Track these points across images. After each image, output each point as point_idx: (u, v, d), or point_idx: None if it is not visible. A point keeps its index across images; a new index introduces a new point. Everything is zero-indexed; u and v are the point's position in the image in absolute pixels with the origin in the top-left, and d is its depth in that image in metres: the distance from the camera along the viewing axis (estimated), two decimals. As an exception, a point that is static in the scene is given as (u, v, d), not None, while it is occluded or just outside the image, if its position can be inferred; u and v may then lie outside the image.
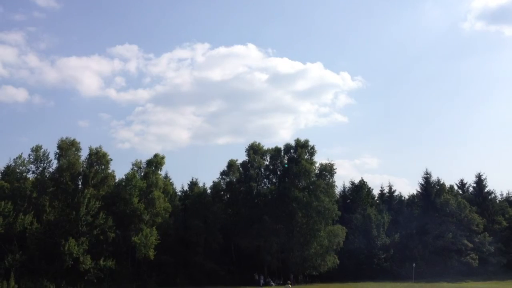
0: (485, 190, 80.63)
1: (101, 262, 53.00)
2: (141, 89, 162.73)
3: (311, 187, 65.92)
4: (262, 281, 61.40)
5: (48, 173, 57.48)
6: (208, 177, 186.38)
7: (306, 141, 68.52)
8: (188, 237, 61.94)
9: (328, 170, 67.32)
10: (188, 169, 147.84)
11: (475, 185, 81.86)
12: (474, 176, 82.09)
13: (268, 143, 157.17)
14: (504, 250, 71.02)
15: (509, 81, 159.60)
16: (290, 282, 45.09)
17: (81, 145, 58.44)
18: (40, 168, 57.13)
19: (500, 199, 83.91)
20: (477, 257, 68.68)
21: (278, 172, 69.27)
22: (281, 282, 62.57)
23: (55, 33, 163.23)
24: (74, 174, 56.56)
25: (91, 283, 52.29)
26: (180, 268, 60.93)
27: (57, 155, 57.10)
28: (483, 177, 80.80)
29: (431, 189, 76.29)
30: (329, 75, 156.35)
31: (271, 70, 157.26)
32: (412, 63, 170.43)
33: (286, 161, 68.35)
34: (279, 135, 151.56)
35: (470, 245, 68.98)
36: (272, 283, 61.64)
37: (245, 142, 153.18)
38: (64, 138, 57.62)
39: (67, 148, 57.11)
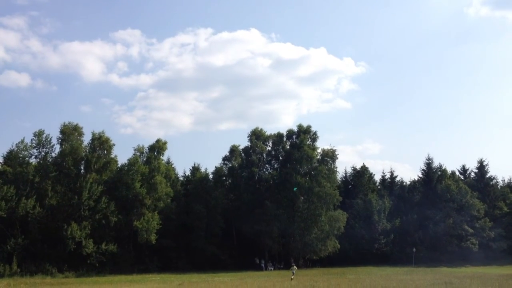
0: (487, 176, 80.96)
1: (103, 246, 53.45)
2: (143, 74, 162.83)
3: (312, 172, 66.22)
4: (263, 265, 61.90)
5: (50, 158, 57.79)
6: (210, 163, 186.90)
7: (309, 127, 68.71)
8: (190, 222, 62.43)
9: (330, 155, 67.52)
10: (190, 155, 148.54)
11: (476, 170, 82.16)
12: (476, 162, 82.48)
13: (270, 129, 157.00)
14: (504, 236, 71.27)
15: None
16: (294, 265, 45.78)
17: (84, 130, 58.78)
18: (43, 153, 57.51)
19: (502, 185, 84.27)
20: (478, 242, 69.06)
21: (280, 158, 69.50)
22: (282, 267, 63.18)
23: (57, 18, 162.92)
24: (76, 159, 56.77)
25: (93, 267, 52.79)
26: (181, 252, 61.49)
27: (60, 140, 57.33)
28: (485, 163, 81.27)
29: (432, 174, 76.35)
30: (332, 61, 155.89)
31: (274, 55, 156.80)
32: (416, 48, 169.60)
33: (288, 147, 68.52)
34: (281, 120, 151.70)
35: (471, 230, 69.27)
36: (270, 267, 62.04)
37: (248, 128, 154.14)
38: (67, 123, 57.95)
39: (69, 133, 57.31)
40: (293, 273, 42.32)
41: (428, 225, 70.30)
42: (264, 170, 70.66)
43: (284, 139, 69.70)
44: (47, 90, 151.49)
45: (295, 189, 63.32)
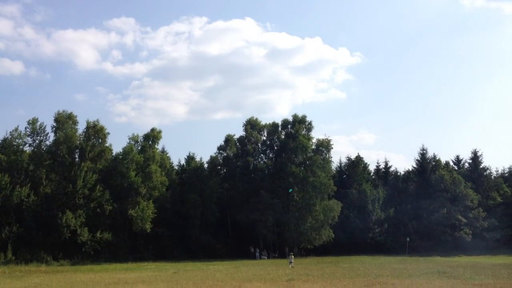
0: (481, 166, 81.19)
1: (98, 234, 53.46)
2: (138, 63, 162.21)
3: (307, 162, 66.37)
4: (257, 254, 62.16)
5: (44, 146, 57.55)
6: (205, 152, 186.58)
7: (304, 117, 68.72)
8: (185, 211, 62.54)
9: (325, 145, 67.66)
10: (185, 144, 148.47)
11: (470, 161, 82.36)
12: (470, 152, 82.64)
13: (265, 119, 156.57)
14: (497, 226, 71.71)
15: (507, 58, 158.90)
16: (292, 254, 46.32)
17: (78, 119, 58.50)
18: (37, 141, 57.22)
19: (495, 176, 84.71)
20: (471, 232, 69.54)
21: (275, 147, 69.60)
22: (277, 255, 63.49)
23: (51, 5, 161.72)
24: (71, 148, 56.62)
25: (88, 255, 52.86)
26: (176, 241, 61.69)
27: (54, 128, 57.05)
28: (479, 154, 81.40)
29: (426, 165, 76.65)
30: (327, 51, 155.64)
31: (269, 45, 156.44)
32: (411, 39, 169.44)
33: (283, 137, 68.52)
34: (276, 110, 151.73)
35: (464, 220, 69.72)
36: (264, 256, 62.21)
37: (243, 118, 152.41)
38: (61, 111, 57.59)
39: (64, 121, 57.04)
40: (291, 262, 42.72)
41: (422, 215, 70.72)
42: (259, 159, 70.76)
43: (279, 129, 69.72)
44: (41, 78, 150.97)
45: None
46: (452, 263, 45.36)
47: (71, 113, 57.99)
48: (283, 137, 68.86)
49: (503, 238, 71.47)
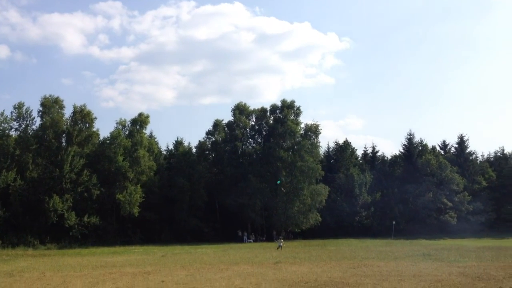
0: (467, 151, 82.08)
1: (86, 218, 53.40)
2: (125, 47, 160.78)
3: (295, 147, 66.61)
4: (245, 237, 62.48)
5: (31, 130, 57.07)
6: (193, 137, 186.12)
7: (292, 102, 68.71)
8: (173, 195, 62.57)
9: (313, 130, 67.90)
10: (173, 129, 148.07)
11: (457, 146, 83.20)
12: (457, 137, 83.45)
13: (254, 104, 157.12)
14: (482, 209, 72.70)
15: (494, 43, 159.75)
16: (281, 238, 46.69)
17: (65, 103, 57.95)
18: (23, 126, 56.67)
19: (481, 160, 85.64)
20: (456, 215, 70.51)
21: (264, 132, 69.64)
22: (264, 239, 63.89)
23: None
24: (57, 132, 56.16)
25: (75, 239, 52.79)
26: (164, 225, 61.84)
27: (40, 113, 56.53)
28: (465, 138, 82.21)
29: (413, 149, 77.34)
30: (316, 36, 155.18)
31: (258, 29, 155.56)
32: (400, 25, 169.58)
33: (271, 122, 68.49)
34: (265, 95, 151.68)
35: (450, 204, 70.68)
36: (249, 240, 62.41)
37: (231, 103, 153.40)
38: (47, 95, 57.02)
39: (50, 105, 56.50)
40: (280, 245, 43.05)
41: (408, 199, 71.50)
42: (248, 144, 70.81)
43: (268, 114, 69.65)
44: (26, 62, 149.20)
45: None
46: (437, 246, 45.97)
47: (57, 97, 57.47)
48: (271, 122, 68.87)
49: (488, 221, 72.49)
